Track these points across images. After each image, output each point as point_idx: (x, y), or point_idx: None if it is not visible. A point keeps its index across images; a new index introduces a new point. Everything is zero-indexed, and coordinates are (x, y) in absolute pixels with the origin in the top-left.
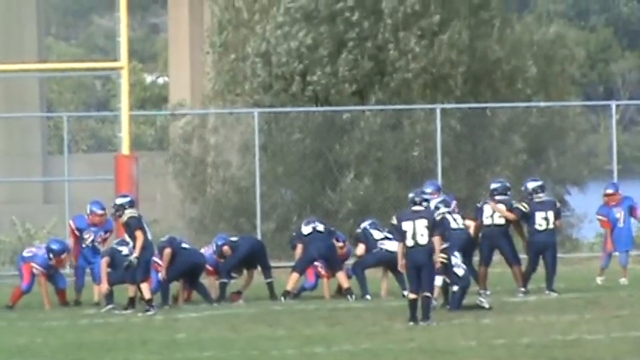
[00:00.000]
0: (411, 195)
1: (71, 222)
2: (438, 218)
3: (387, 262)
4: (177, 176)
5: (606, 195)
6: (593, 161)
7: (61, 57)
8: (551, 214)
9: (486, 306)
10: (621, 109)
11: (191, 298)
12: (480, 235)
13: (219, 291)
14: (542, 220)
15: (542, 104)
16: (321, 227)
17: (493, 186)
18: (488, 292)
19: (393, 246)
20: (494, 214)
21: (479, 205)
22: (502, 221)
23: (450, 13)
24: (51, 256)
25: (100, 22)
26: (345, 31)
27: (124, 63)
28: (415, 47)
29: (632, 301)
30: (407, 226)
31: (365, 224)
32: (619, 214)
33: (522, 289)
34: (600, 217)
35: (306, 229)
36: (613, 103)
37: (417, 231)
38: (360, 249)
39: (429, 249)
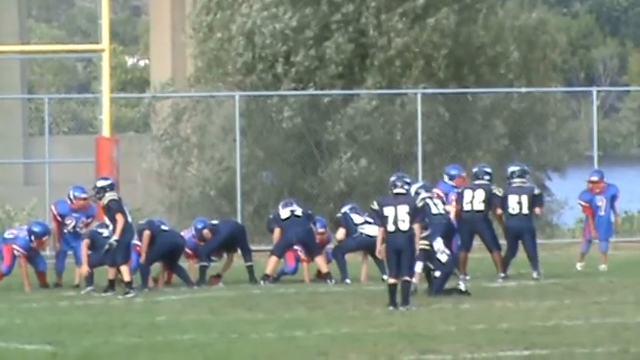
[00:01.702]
0: (392, 179)
1: (53, 207)
2: (420, 205)
3: (367, 246)
4: (161, 156)
5: (591, 182)
6: (574, 147)
7: (43, 39)
8: (525, 199)
9: (463, 289)
10: (602, 96)
11: (171, 280)
12: (460, 220)
13: (199, 274)
14: (515, 205)
15: (524, 90)
16: (299, 211)
17: (474, 170)
18: (467, 277)
19: (373, 230)
20: (473, 199)
21: (459, 190)
22: (482, 207)
23: None
24: (32, 238)
25: (82, 5)
26: (329, 14)
27: (106, 45)
28: (397, 24)
29: (612, 287)
30: (388, 211)
31: (345, 208)
32: (601, 202)
33: (502, 275)
34: (582, 203)
35: (284, 213)
36: (594, 90)
37: (399, 217)
38: (340, 233)
39: (410, 234)
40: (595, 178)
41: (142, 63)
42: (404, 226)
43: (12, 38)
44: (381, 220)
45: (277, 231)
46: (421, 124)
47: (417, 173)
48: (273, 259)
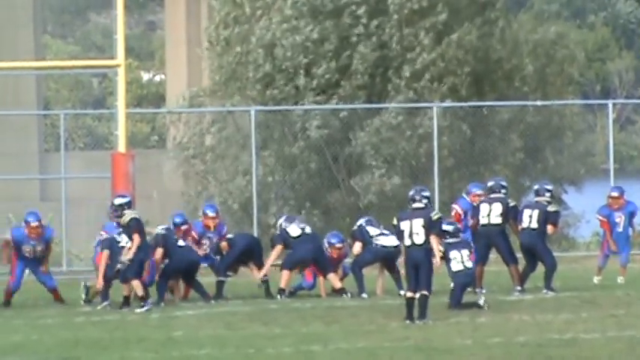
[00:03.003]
0: (410, 193)
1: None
2: (435, 217)
3: (383, 257)
4: (183, 165)
5: (610, 197)
6: (590, 160)
7: (58, 55)
8: (536, 214)
9: (482, 304)
10: (618, 108)
11: (188, 295)
12: (476, 233)
13: (216, 289)
14: (526, 218)
15: (539, 103)
16: (308, 229)
17: (489, 184)
18: (483, 291)
19: (388, 241)
20: (490, 212)
21: (475, 204)
22: (499, 220)
23: (457, 12)
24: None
25: (97, 20)
26: (350, 26)
27: (121, 61)
28: (424, 39)
29: (629, 300)
30: (405, 225)
31: (361, 221)
32: (619, 218)
33: (518, 288)
34: (600, 218)
35: (294, 231)
36: (610, 102)
37: (414, 230)
38: (357, 247)
39: (426, 248)
40: (615, 194)
41: (157, 78)
42: (419, 239)
43: (27, 54)
44: (399, 235)
45: (279, 248)
46: (441, 139)
47: (434, 188)
48: (285, 272)
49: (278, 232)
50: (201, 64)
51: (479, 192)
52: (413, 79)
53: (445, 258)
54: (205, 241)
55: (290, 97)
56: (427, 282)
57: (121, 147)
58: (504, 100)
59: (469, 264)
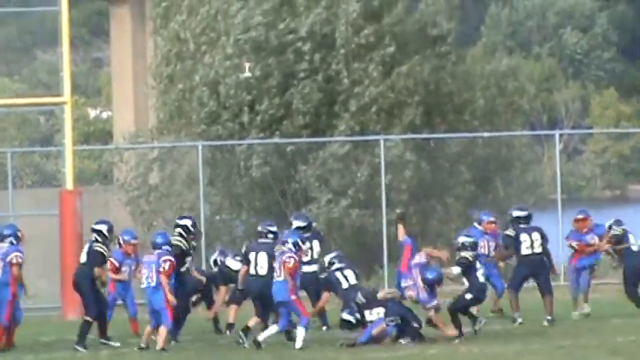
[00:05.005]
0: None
1: None
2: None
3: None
4: (129, 205)
5: (577, 220)
6: (539, 191)
7: (5, 93)
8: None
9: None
10: (565, 139)
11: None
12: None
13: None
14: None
15: (487, 134)
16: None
17: (518, 213)
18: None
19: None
20: (534, 242)
21: (510, 233)
22: (540, 249)
23: (405, 45)
24: None
25: (44, 58)
26: (295, 62)
27: (67, 98)
28: (373, 72)
29: (576, 331)
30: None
31: (331, 257)
32: (593, 240)
33: (549, 318)
34: (574, 243)
35: (234, 264)
36: (557, 133)
37: (259, 262)
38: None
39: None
40: (581, 217)
41: (104, 115)
42: (262, 270)
43: None
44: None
45: (224, 288)
46: (389, 170)
47: (382, 218)
48: (233, 307)
49: (216, 269)
50: (147, 100)
51: (492, 219)
52: (360, 113)
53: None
54: (125, 268)
55: (235, 134)
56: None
57: (69, 184)
58: (452, 133)
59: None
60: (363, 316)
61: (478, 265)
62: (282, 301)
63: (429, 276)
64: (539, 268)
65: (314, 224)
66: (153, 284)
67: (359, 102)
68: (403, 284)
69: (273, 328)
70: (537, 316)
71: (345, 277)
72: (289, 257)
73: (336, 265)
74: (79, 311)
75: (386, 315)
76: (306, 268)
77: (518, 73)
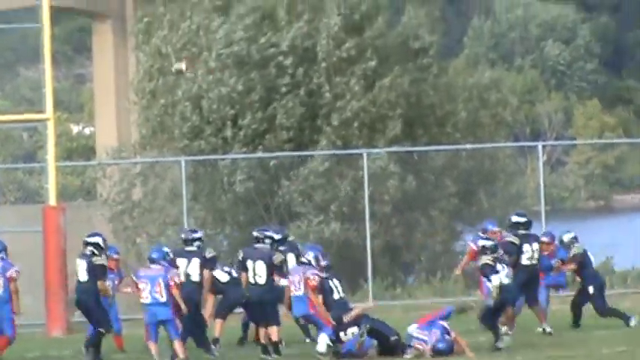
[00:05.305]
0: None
1: None
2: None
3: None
4: (112, 220)
5: (541, 242)
6: (522, 203)
7: None
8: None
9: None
10: (548, 150)
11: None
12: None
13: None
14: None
15: (469, 146)
16: (235, 272)
17: (518, 219)
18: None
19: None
20: (533, 253)
21: (514, 241)
22: (537, 260)
23: (386, 59)
24: None
25: (27, 74)
26: (277, 76)
27: (50, 114)
28: (355, 86)
29: (561, 341)
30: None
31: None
32: (557, 263)
33: (548, 329)
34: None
35: (222, 276)
36: (540, 144)
37: (257, 271)
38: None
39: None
40: (545, 240)
41: (87, 131)
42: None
43: None
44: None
45: (211, 300)
46: (371, 183)
47: (366, 231)
48: (219, 321)
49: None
50: (129, 116)
51: (496, 229)
52: (342, 127)
53: (485, 275)
54: (109, 283)
55: (218, 149)
56: None
57: (52, 200)
58: (436, 145)
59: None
60: (338, 336)
61: (500, 267)
62: (303, 315)
63: (440, 346)
64: (534, 278)
65: (290, 237)
66: (163, 299)
67: (341, 116)
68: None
69: (323, 337)
70: (527, 326)
71: (336, 287)
72: (314, 275)
73: (326, 275)
74: (63, 328)
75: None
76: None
77: (500, 85)
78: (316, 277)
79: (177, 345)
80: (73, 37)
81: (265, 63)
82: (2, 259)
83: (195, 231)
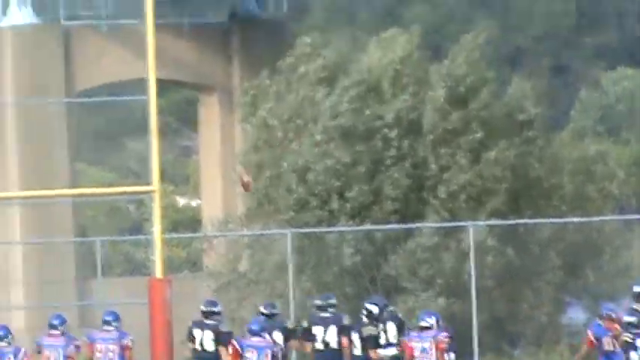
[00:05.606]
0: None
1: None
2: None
3: None
4: (218, 292)
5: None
6: (630, 275)
7: (94, 181)
8: None
9: None
10: None
11: None
12: None
13: None
14: None
15: (576, 220)
16: None
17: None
18: None
19: None
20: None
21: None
22: None
23: (492, 130)
24: None
25: (133, 146)
26: (383, 148)
27: (156, 186)
28: (461, 159)
29: None
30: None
31: None
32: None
33: None
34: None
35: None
36: None
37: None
38: None
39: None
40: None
41: (193, 203)
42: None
43: (62, 181)
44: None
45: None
46: (479, 258)
47: (471, 304)
48: None
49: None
50: (235, 187)
51: (614, 316)
52: (449, 200)
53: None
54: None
55: (324, 220)
56: None
57: (158, 273)
58: (541, 218)
59: None
60: None
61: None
62: None
63: None
64: None
65: (391, 308)
66: None
67: (448, 189)
68: None
69: None
70: None
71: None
72: (446, 337)
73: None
74: None
75: None
76: (383, 352)
77: (607, 158)
78: (448, 338)
79: None
80: (178, 109)
81: (371, 135)
82: (117, 328)
83: (330, 297)
